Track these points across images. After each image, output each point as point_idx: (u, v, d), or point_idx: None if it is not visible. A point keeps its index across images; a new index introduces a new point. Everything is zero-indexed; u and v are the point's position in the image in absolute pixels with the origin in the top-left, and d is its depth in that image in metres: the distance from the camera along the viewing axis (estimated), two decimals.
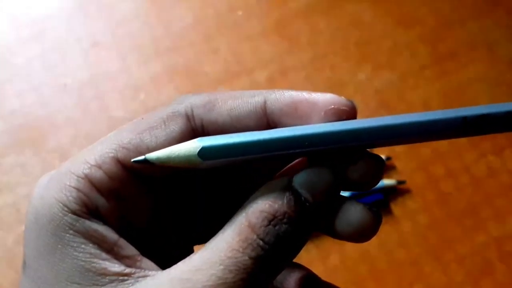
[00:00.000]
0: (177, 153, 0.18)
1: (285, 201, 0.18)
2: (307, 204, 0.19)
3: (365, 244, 0.44)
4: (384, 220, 0.51)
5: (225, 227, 0.19)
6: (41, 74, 0.50)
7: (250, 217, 0.18)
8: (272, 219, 0.18)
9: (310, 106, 0.20)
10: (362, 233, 0.20)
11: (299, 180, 0.19)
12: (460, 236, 0.45)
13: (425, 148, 0.48)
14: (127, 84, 0.50)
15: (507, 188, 0.47)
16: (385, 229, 0.45)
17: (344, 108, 0.20)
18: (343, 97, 0.20)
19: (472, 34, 0.54)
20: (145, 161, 0.18)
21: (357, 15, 0.55)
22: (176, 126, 0.20)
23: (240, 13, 0.54)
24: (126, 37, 0.52)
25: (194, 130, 0.20)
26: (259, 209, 0.18)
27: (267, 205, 0.18)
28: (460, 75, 0.52)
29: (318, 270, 0.43)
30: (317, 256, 0.44)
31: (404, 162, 0.48)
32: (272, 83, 0.51)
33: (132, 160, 0.19)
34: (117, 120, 0.48)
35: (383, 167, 0.20)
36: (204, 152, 0.18)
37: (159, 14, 0.54)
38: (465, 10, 0.55)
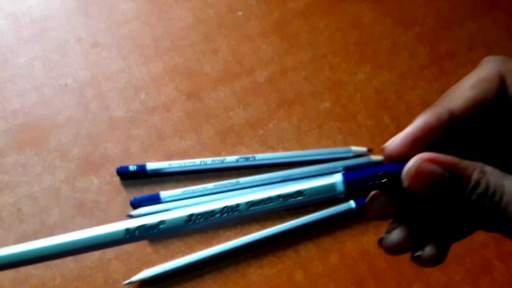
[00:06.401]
0: None
1: None
2: None
3: (365, 243, 0.44)
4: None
5: None
6: (42, 74, 0.50)
7: None
8: None
9: None
10: None
11: None
12: None
13: None
14: (128, 84, 0.50)
15: None
16: (385, 229, 0.45)
17: None
18: None
19: (470, 34, 0.54)
20: None
21: (357, 15, 0.55)
22: None
23: (240, 13, 0.55)
24: (126, 37, 0.52)
25: None
26: None
27: None
28: (459, 75, 0.52)
29: (318, 269, 0.44)
30: (317, 255, 0.44)
31: None
32: (272, 83, 0.51)
33: None
34: (118, 120, 0.48)
35: None
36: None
37: (159, 14, 0.54)
38: (463, 10, 0.56)
